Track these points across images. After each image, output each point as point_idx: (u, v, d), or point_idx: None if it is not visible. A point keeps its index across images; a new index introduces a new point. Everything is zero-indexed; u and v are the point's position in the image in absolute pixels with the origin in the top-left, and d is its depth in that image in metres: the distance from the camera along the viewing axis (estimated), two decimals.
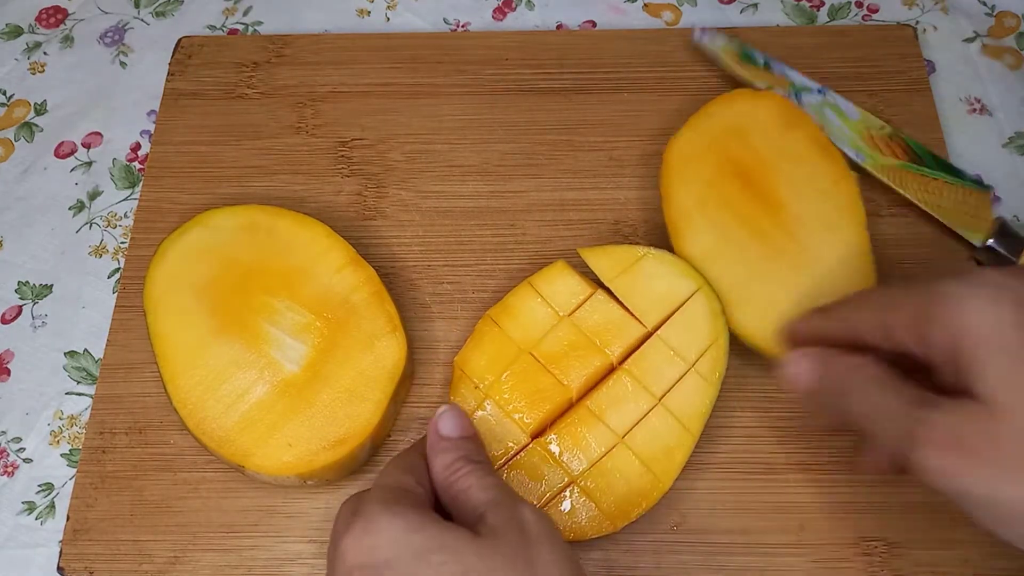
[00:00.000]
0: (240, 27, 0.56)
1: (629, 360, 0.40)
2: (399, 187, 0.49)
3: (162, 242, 0.43)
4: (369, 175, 0.49)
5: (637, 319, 0.41)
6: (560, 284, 0.42)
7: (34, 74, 0.55)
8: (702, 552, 0.40)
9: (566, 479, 0.38)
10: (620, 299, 0.41)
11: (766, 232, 0.43)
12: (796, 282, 0.42)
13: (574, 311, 0.41)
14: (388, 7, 0.56)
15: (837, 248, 0.42)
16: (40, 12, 0.57)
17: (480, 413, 0.40)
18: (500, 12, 0.56)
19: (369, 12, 0.56)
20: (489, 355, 0.41)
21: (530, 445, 0.39)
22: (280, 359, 0.40)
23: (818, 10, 0.55)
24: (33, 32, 0.57)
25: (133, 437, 0.43)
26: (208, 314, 0.41)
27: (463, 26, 0.55)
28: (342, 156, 0.50)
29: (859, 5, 0.55)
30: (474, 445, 0.36)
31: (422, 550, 0.29)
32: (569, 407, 0.40)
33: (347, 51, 0.53)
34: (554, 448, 0.39)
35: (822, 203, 0.43)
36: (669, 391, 0.39)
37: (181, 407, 0.39)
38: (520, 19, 0.56)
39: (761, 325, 0.41)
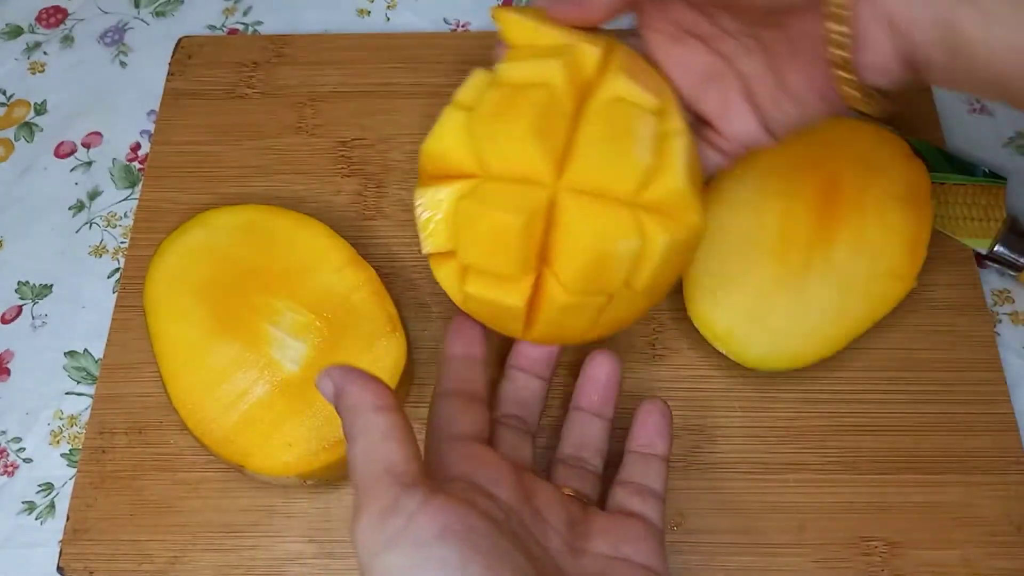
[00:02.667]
0: (240, 27, 0.56)
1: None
2: (399, 187, 0.49)
3: (162, 242, 0.43)
4: (369, 175, 0.49)
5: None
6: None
7: (34, 74, 0.55)
8: (702, 552, 0.40)
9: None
10: None
11: (808, 250, 0.41)
12: (823, 308, 0.41)
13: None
14: (388, 7, 0.56)
15: (867, 296, 0.41)
16: (40, 12, 0.57)
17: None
18: None
19: (369, 12, 0.56)
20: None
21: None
22: (280, 359, 0.40)
23: None
24: (33, 32, 0.57)
25: (133, 437, 0.43)
26: (208, 314, 0.41)
27: (463, 26, 0.55)
28: (342, 156, 0.50)
29: None
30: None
31: None
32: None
33: (347, 51, 0.53)
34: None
35: (880, 245, 0.42)
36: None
37: (181, 407, 0.39)
38: None
39: (773, 353, 0.40)
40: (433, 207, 0.36)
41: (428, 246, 0.36)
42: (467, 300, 0.37)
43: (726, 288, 0.41)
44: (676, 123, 0.34)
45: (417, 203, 0.36)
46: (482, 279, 0.35)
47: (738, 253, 0.42)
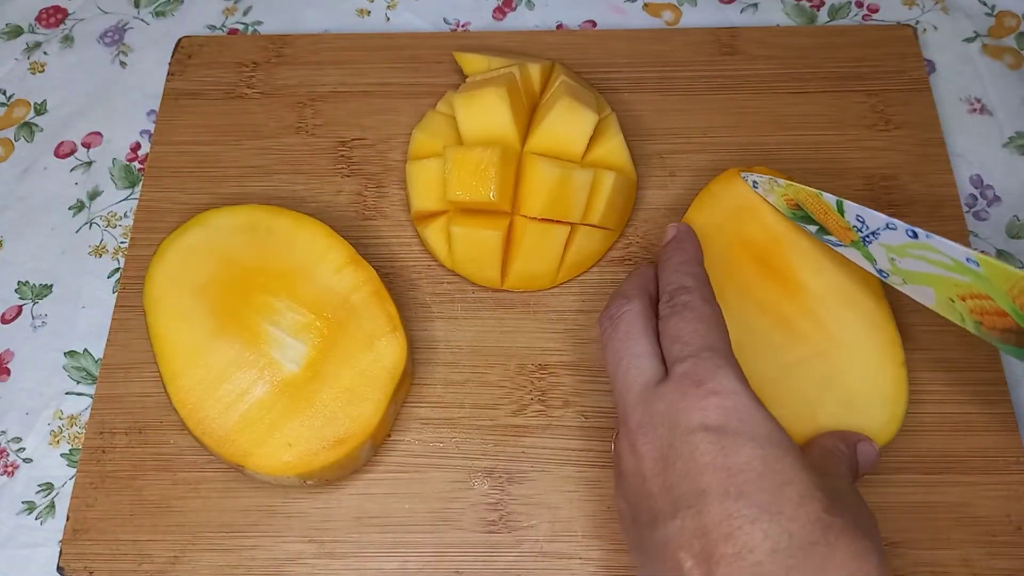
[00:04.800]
0: (240, 27, 0.56)
1: None
2: (399, 187, 0.49)
3: (162, 242, 0.43)
4: (369, 175, 0.49)
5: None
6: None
7: (34, 74, 0.55)
8: None
9: None
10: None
11: (789, 318, 0.41)
12: (827, 370, 0.40)
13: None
14: (388, 7, 0.56)
15: (861, 324, 0.40)
16: (40, 12, 0.57)
17: None
18: (500, 12, 0.56)
19: (369, 12, 0.56)
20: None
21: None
22: (280, 359, 0.40)
23: (818, 10, 0.55)
24: (33, 32, 0.57)
25: (133, 437, 0.43)
26: (208, 314, 0.41)
27: (463, 26, 0.55)
28: (342, 156, 0.50)
29: (859, 5, 0.55)
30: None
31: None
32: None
33: (347, 51, 0.53)
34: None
35: (839, 277, 0.41)
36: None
37: (181, 407, 0.39)
38: (520, 19, 0.56)
39: (794, 427, 0.39)
40: (422, 173, 0.45)
41: (417, 204, 0.45)
42: (452, 244, 0.44)
43: None
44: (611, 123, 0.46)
45: (408, 172, 0.46)
46: (466, 219, 0.43)
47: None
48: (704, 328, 0.33)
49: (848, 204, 0.38)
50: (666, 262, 0.38)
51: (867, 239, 0.38)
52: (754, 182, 0.43)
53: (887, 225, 0.37)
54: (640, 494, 0.32)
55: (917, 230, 0.35)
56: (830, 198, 0.39)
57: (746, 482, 0.29)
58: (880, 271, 0.39)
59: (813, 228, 0.41)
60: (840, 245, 0.40)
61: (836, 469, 0.36)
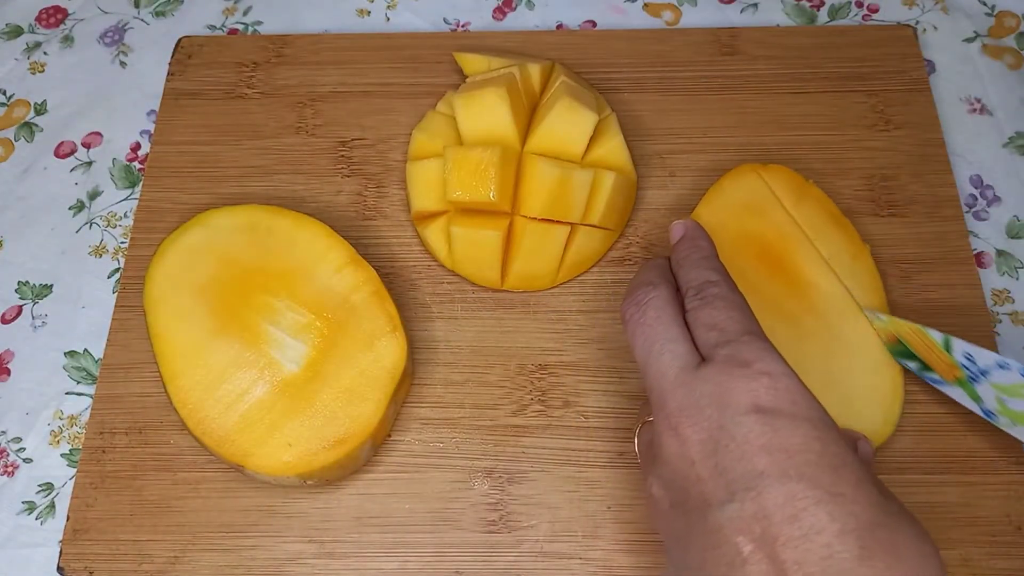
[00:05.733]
0: (240, 27, 0.56)
1: None
2: (399, 187, 0.49)
3: (162, 242, 0.43)
4: (369, 175, 0.49)
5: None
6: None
7: (34, 74, 0.55)
8: None
9: None
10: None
11: (793, 314, 0.41)
12: (828, 368, 0.40)
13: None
14: (388, 7, 0.56)
15: (863, 324, 0.40)
16: (40, 12, 0.57)
17: None
18: (500, 12, 0.56)
19: (369, 12, 0.56)
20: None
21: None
22: (280, 359, 0.40)
23: (818, 10, 0.55)
24: (33, 32, 0.57)
25: (133, 437, 0.43)
26: (208, 314, 0.41)
27: (463, 26, 0.55)
28: (342, 156, 0.50)
29: (859, 5, 0.55)
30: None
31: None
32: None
33: (347, 51, 0.53)
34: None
35: (845, 278, 0.42)
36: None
37: (181, 407, 0.39)
38: (520, 19, 0.56)
39: None
40: (422, 174, 0.45)
41: (417, 204, 0.45)
42: (452, 244, 0.44)
43: None
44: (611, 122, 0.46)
45: (408, 172, 0.46)
46: (466, 219, 0.43)
47: None
48: (739, 315, 0.33)
49: (956, 341, 0.37)
50: (684, 260, 0.37)
51: (975, 378, 0.37)
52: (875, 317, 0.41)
53: (998, 364, 0.36)
54: (688, 479, 0.30)
55: None
56: (937, 335, 0.38)
57: (806, 463, 0.28)
58: (987, 412, 0.38)
59: (914, 365, 0.40)
60: (942, 383, 0.40)
61: None
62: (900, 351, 0.40)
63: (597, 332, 0.44)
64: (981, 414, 0.39)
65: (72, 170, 0.52)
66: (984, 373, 0.37)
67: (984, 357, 0.36)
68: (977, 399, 0.38)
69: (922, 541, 0.28)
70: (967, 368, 0.37)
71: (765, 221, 0.43)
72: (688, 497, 0.30)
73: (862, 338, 0.40)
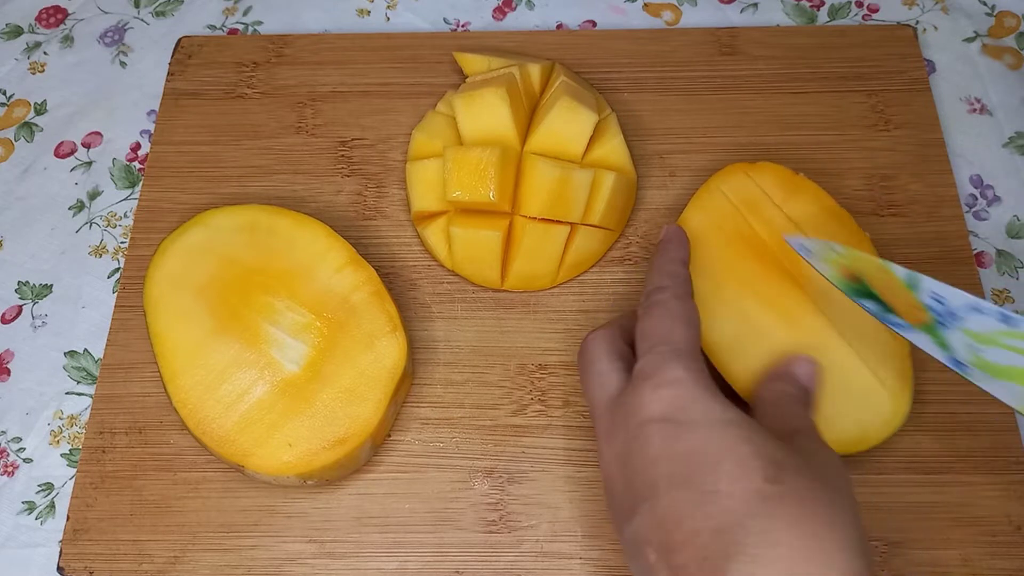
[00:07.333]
0: (240, 27, 0.56)
1: None
2: (399, 187, 0.49)
3: (162, 242, 0.43)
4: (369, 175, 0.49)
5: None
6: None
7: (34, 74, 0.55)
8: None
9: None
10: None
11: (791, 312, 0.40)
12: (828, 363, 0.39)
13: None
14: (388, 7, 0.56)
15: (864, 317, 0.38)
16: (40, 12, 0.57)
17: None
18: (500, 12, 0.56)
19: (369, 12, 0.56)
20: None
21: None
22: (280, 359, 0.40)
23: (818, 10, 0.55)
24: (33, 32, 0.57)
25: (133, 437, 0.43)
26: (208, 314, 0.41)
27: (463, 26, 0.55)
28: (342, 156, 0.50)
29: (859, 5, 0.55)
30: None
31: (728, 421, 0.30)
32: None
33: (347, 51, 0.53)
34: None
35: None
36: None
37: (181, 407, 0.39)
38: (520, 19, 0.56)
39: None
40: (422, 174, 0.45)
41: (417, 204, 0.45)
42: (452, 245, 0.44)
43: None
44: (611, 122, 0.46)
45: (408, 172, 0.46)
46: (466, 219, 0.43)
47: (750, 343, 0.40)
48: (668, 324, 0.34)
49: (923, 279, 0.32)
50: (652, 264, 0.38)
51: (944, 323, 0.32)
52: (805, 247, 0.37)
53: (972, 307, 0.31)
54: (614, 494, 0.32)
55: (1011, 315, 0.29)
56: (900, 271, 0.33)
57: (689, 466, 0.29)
58: (956, 362, 0.33)
59: (872, 305, 0.36)
60: (905, 327, 0.34)
61: (791, 411, 0.36)
62: (857, 289, 0.36)
63: None
64: (949, 364, 0.33)
65: (72, 170, 0.52)
66: (955, 317, 0.32)
67: (956, 297, 0.31)
68: (945, 347, 0.33)
69: (806, 521, 0.28)
70: (935, 311, 0.32)
71: (758, 220, 0.43)
72: (615, 514, 0.32)
73: (864, 332, 0.40)
